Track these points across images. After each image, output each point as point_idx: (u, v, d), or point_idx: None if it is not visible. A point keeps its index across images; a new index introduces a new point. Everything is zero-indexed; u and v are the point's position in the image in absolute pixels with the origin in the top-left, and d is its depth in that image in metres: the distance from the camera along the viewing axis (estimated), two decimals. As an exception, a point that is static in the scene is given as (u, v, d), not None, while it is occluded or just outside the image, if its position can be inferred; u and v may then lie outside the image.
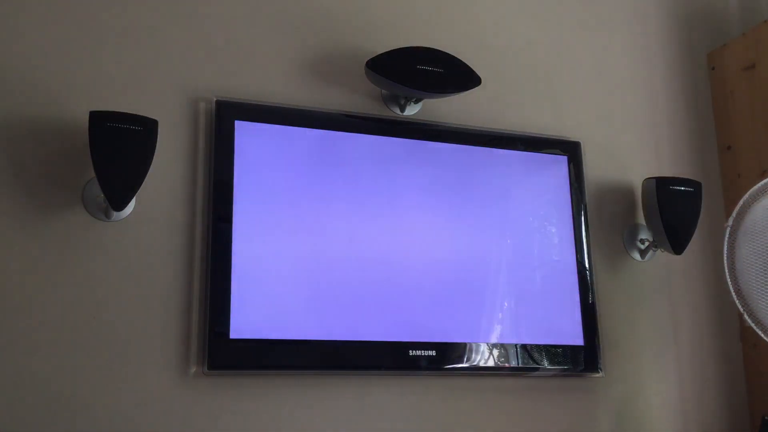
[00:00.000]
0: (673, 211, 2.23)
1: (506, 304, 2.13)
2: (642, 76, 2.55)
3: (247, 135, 1.97)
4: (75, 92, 1.90)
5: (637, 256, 2.36)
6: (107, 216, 1.85)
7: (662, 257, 2.38)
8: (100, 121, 1.75)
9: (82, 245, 1.83)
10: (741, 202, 2.07)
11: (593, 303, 2.22)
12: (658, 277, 2.38)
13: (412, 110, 2.20)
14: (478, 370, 2.07)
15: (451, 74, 2.11)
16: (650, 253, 2.35)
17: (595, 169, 2.36)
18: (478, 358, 2.06)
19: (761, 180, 2.07)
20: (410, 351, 1.98)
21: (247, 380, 1.89)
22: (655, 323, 2.34)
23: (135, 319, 1.82)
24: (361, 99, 2.17)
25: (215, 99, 1.99)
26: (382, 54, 2.06)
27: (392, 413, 1.99)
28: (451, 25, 2.33)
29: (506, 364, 2.09)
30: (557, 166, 2.29)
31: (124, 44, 1.97)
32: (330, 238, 1.99)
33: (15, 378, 1.72)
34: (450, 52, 2.11)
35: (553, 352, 2.14)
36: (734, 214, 2.07)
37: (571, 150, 2.32)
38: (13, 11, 1.89)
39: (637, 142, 2.48)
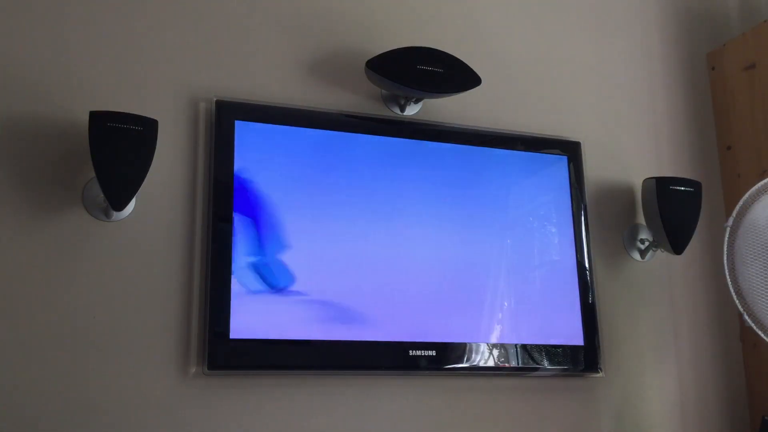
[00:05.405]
0: (673, 211, 2.23)
1: (506, 304, 2.13)
2: (642, 76, 2.55)
3: (247, 135, 1.97)
4: (75, 92, 1.90)
5: (637, 256, 2.36)
6: (107, 216, 1.85)
7: (662, 257, 2.38)
8: (100, 121, 1.75)
9: (82, 245, 1.83)
10: (741, 202, 2.07)
11: (593, 303, 2.22)
12: (658, 277, 2.38)
13: (412, 110, 2.20)
14: (478, 370, 2.07)
15: (451, 74, 2.10)
16: (650, 253, 2.35)
17: (595, 169, 2.36)
18: (478, 358, 2.06)
19: (761, 180, 2.07)
20: (410, 351, 1.98)
21: (247, 380, 1.89)
22: (655, 323, 2.34)
23: (135, 319, 1.82)
24: (361, 99, 2.17)
25: (215, 99, 1.99)
26: (382, 54, 2.06)
27: (392, 413, 1.99)
28: (451, 25, 2.33)
29: (506, 364, 2.09)
30: (557, 166, 2.29)
31: (124, 44, 1.97)
32: (329, 238, 1.99)
33: (15, 378, 1.71)
34: (450, 52, 2.11)
35: (553, 352, 2.14)
36: (734, 214, 2.07)
37: (571, 150, 2.32)
38: (13, 11, 1.89)
39: (637, 142, 2.48)
